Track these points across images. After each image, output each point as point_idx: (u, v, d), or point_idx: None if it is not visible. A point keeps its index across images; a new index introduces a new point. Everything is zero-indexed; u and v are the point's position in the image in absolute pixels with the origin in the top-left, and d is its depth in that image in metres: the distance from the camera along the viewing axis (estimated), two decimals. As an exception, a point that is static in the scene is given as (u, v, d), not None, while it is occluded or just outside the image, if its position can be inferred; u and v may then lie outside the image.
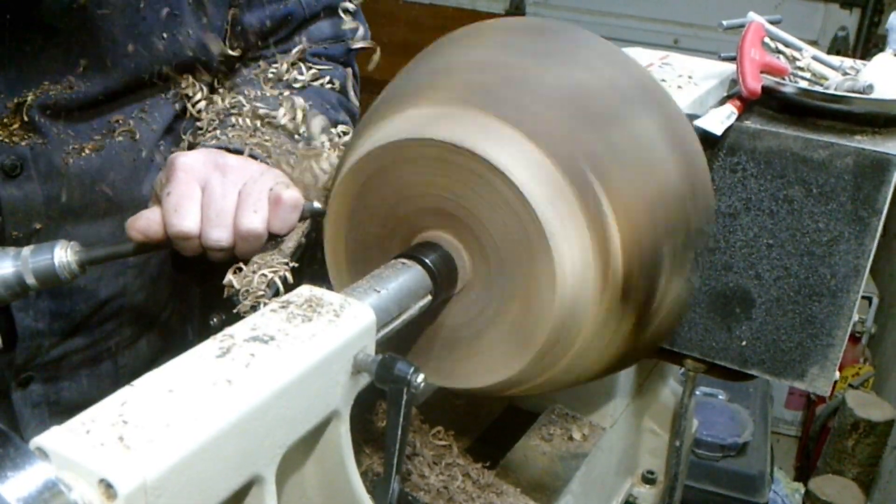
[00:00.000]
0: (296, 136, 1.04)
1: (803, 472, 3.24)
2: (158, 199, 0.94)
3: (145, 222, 0.92)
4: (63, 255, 0.90)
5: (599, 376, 0.90)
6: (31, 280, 0.89)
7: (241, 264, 0.89)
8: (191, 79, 1.11)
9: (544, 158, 0.74)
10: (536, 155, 0.74)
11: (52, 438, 0.49)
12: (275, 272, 0.87)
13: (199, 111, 1.11)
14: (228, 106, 1.07)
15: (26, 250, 0.90)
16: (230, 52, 1.13)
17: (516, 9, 3.98)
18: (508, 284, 0.78)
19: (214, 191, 0.91)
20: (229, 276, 0.87)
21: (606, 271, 0.76)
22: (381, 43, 1.24)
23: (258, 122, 1.04)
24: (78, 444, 0.48)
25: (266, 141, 1.01)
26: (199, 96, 1.12)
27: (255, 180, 0.91)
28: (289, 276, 0.88)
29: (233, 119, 1.04)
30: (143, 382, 0.54)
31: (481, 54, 0.86)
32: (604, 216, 0.75)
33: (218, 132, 1.03)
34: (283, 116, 1.04)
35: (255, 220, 0.89)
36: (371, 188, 0.81)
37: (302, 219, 0.93)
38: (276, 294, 0.85)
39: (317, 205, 0.93)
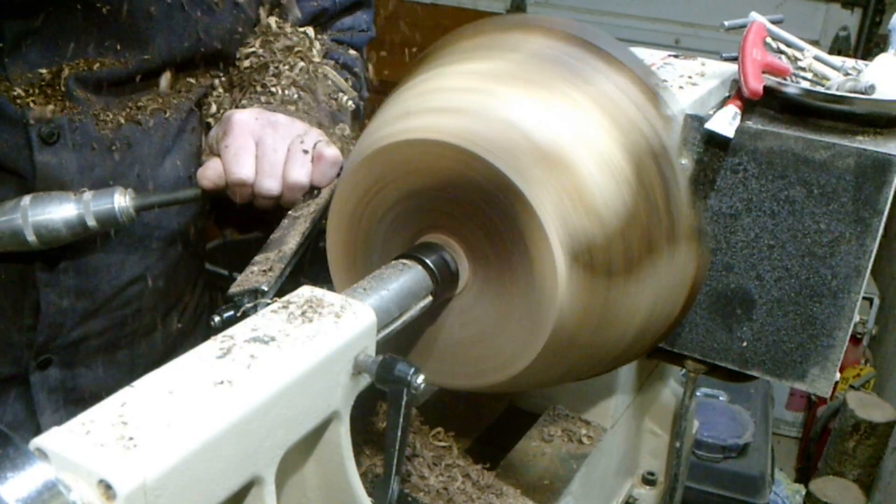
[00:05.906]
0: (327, 105, 1.14)
1: (804, 474, 3.23)
2: (212, 151, 1.05)
3: (213, 171, 1.03)
4: (122, 200, 0.99)
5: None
6: (91, 222, 0.98)
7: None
8: (215, 70, 1.17)
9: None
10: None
11: (51, 439, 0.49)
12: (264, 273, 0.89)
13: (220, 97, 1.17)
14: (270, 75, 1.15)
15: (88, 195, 0.99)
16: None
17: (517, 8, 3.97)
18: (509, 282, 0.77)
19: (267, 145, 1.01)
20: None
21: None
22: (382, 43, 1.27)
23: (299, 92, 1.13)
24: (77, 444, 0.48)
25: (304, 106, 1.11)
26: (219, 82, 1.18)
27: (301, 137, 1.02)
28: (278, 267, 0.90)
29: (273, 87, 1.13)
30: (143, 383, 0.54)
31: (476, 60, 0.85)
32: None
33: (262, 97, 1.11)
34: (320, 90, 1.14)
35: (302, 173, 1.01)
36: (372, 189, 0.81)
37: (339, 175, 1.01)
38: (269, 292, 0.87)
39: None
